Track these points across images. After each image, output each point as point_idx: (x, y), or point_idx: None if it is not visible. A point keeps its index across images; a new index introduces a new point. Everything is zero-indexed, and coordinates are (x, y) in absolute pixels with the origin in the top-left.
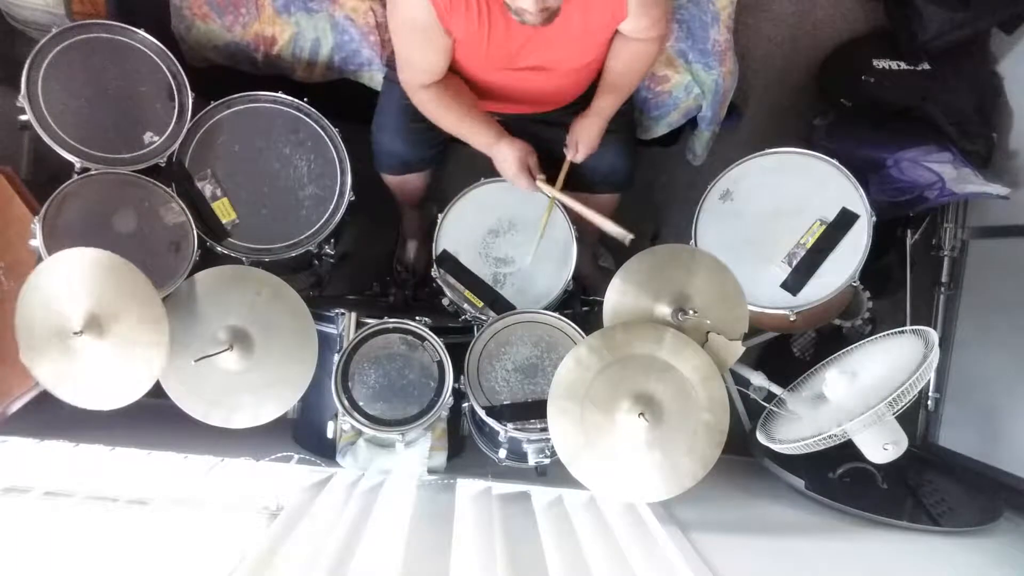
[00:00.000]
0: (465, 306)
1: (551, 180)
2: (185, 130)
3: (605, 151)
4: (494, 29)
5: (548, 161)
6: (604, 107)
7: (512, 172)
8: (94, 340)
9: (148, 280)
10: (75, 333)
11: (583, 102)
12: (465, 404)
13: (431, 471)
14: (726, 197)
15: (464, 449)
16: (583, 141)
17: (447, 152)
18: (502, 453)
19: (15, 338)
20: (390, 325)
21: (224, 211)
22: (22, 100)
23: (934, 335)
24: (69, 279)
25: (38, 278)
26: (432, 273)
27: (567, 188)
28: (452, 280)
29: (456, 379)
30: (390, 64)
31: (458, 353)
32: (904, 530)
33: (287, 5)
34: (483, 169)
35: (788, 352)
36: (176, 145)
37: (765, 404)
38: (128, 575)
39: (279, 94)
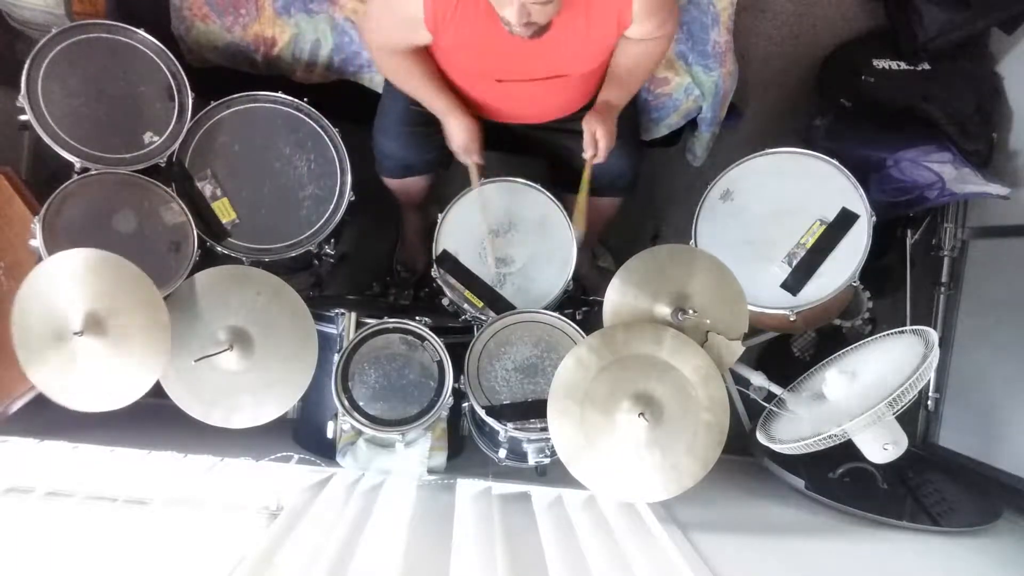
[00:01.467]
0: (465, 306)
1: (575, 184)
2: (185, 130)
3: (612, 156)
4: (496, 39)
5: (561, 166)
6: (614, 101)
7: (460, 142)
8: (94, 340)
9: (148, 279)
10: (75, 334)
11: (586, 108)
12: (465, 404)
13: (431, 471)
14: (726, 197)
15: (464, 449)
16: (602, 136)
17: (449, 154)
18: (502, 453)
19: (12, 344)
20: (390, 325)
21: (224, 211)
22: (22, 100)
23: (934, 335)
24: (68, 280)
25: (35, 282)
26: (432, 273)
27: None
28: (452, 280)
29: (456, 379)
30: None
31: (458, 353)
32: (904, 530)
33: (287, 6)
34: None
35: (788, 352)
36: (176, 145)
37: (765, 404)
38: (128, 575)
39: (279, 94)
